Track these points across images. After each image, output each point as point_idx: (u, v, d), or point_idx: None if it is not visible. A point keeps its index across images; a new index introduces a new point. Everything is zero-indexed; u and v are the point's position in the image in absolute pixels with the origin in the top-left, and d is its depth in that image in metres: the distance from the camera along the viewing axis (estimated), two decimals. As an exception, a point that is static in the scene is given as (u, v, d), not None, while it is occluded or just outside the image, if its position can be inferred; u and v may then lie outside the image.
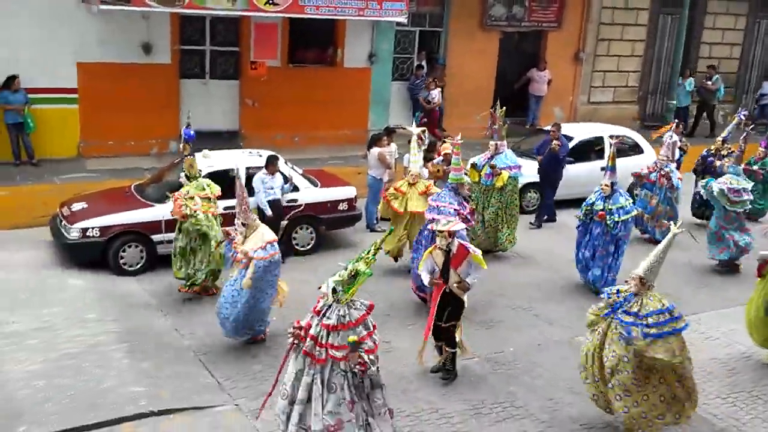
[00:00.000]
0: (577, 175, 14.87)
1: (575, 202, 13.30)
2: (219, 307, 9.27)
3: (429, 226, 9.75)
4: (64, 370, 8.65)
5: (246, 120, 17.33)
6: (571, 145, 14.87)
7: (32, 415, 7.82)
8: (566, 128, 16.06)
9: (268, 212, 11.64)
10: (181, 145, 11.21)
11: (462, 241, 8.74)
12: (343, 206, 12.78)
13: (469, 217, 10.52)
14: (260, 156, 12.33)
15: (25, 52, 14.73)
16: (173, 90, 16.45)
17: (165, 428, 7.84)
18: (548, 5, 20.23)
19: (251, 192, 11.69)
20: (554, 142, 13.97)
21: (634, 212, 11.51)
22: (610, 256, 11.32)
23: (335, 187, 13.01)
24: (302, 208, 12.37)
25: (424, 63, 19.18)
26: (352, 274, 6.63)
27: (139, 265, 11.41)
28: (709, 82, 21.56)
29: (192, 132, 11.25)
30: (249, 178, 11.85)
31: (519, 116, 20.55)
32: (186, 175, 10.81)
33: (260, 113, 17.06)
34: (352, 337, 6.49)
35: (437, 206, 10.47)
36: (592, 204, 11.33)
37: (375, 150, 13.49)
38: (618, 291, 7.82)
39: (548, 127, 14.81)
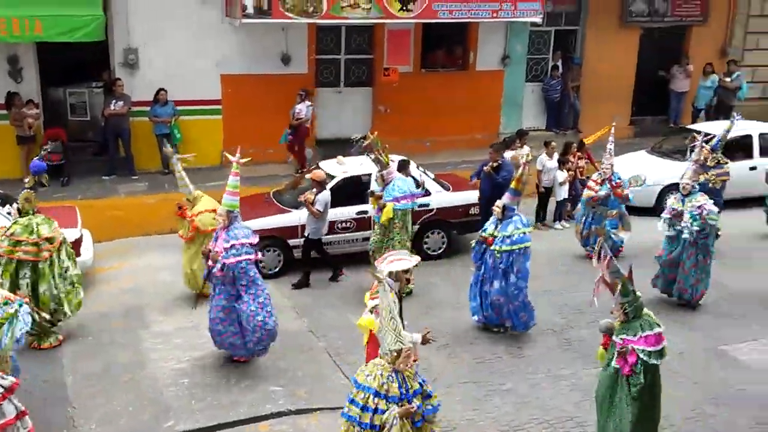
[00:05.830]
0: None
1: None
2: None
3: None
4: (207, 369, 9.05)
5: (378, 126, 17.24)
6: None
7: (178, 411, 8.24)
8: (708, 127, 15.29)
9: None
10: (27, 179, 9.52)
11: None
12: (474, 210, 12.67)
13: None
14: (392, 161, 12.40)
15: (173, 66, 15.56)
16: (310, 99, 16.85)
17: (303, 427, 8.02)
18: (693, -2, 19.33)
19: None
20: None
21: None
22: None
23: (467, 191, 12.92)
24: (434, 212, 12.37)
25: (559, 63, 18.78)
26: None
27: (276, 269, 11.80)
28: (728, 79, 18.78)
29: (44, 164, 9.66)
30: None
31: (661, 114, 19.81)
32: (18, 209, 9.27)
33: (392, 119, 17.17)
34: None
35: None
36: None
37: (508, 153, 13.31)
38: None
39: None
